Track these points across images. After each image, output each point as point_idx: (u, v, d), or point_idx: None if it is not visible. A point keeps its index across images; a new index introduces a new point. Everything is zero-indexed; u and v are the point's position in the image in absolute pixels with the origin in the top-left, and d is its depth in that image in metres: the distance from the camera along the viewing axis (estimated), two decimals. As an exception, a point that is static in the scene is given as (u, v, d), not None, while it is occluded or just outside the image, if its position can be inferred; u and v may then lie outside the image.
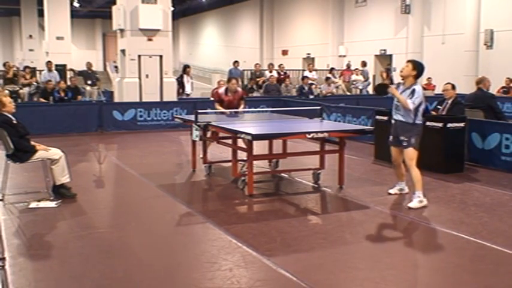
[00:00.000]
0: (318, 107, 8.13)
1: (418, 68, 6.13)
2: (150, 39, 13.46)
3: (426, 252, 4.95)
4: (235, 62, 19.49)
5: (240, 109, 8.93)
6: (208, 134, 7.77)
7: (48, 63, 17.46)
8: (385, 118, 8.64)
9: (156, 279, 4.13)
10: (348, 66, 21.38)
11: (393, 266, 4.44)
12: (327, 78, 18.87)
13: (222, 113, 8.64)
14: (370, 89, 20.58)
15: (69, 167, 6.62)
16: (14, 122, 6.42)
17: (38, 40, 28.38)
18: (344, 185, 7.04)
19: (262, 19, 31.77)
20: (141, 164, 8.94)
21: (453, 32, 19.97)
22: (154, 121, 13.26)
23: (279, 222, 5.58)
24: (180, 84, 15.22)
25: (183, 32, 44.52)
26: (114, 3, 14.03)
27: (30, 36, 29.23)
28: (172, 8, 14.42)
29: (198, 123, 7.24)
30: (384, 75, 16.97)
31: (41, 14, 25.93)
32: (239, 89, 9.22)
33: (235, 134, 6.63)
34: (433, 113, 8.69)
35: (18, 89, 16.15)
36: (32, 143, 6.48)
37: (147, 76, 13.61)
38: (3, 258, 4.47)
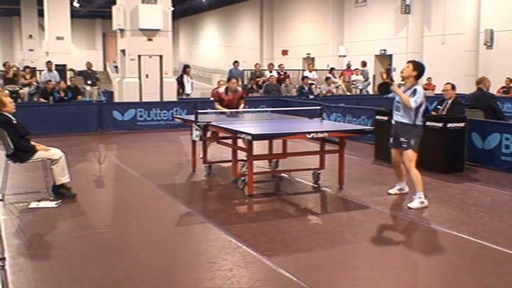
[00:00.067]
0: (318, 107, 8.13)
1: (418, 68, 6.11)
2: (150, 39, 13.46)
3: (426, 252, 4.95)
4: (235, 62, 19.50)
5: (240, 108, 8.93)
6: (208, 134, 7.77)
7: (48, 63, 17.46)
8: (385, 118, 8.64)
9: (156, 279, 4.13)
10: (348, 66, 21.38)
11: (393, 266, 4.44)
12: (327, 78, 18.88)
13: (222, 112, 8.64)
14: (370, 89, 20.59)
15: (69, 167, 6.62)
16: (14, 122, 6.42)
17: (38, 40, 28.39)
18: (344, 185, 7.04)
19: (262, 19, 31.77)
20: (141, 164, 8.94)
21: (453, 32, 19.97)
22: (154, 121, 13.26)
23: (279, 222, 5.58)
24: (180, 84, 15.23)
25: (183, 32, 44.52)
26: (114, 3, 14.03)
27: (30, 36, 29.24)
28: (172, 8, 14.42)
29: (198, 123, 7.24)
30: (384, 75, 16.97)
31: (41, 14, 25.94)
32: (239, 89, 9.22)
33: (235, 134, 6.63)
34: (433, 113, 8.69)
35: (18, 89, 16.15)
36: (32, 143, 6.48)
37: (147, 76, 13.61)
38: (3, 258, 4.47)
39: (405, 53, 21.22)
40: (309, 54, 27.99)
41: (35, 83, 16.89)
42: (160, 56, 13.68)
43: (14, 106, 6.58)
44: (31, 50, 28.63)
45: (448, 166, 7.92)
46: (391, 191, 6.65)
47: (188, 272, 4.34)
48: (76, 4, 28.03)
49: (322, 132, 6.70)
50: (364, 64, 20.64)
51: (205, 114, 8.06)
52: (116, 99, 14.20)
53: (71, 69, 20.50)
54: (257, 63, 20.98)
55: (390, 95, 6.32)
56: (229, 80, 9.19)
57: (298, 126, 7.40)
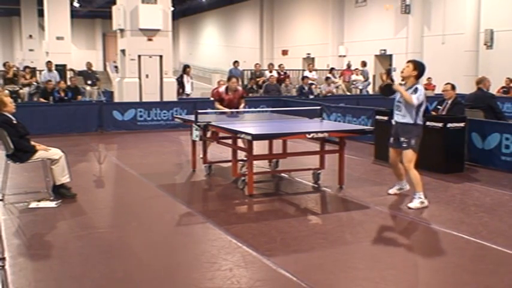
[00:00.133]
0: (318, 107, 8.13)
1: (419, 68, 6.09)
2: (150, 39, 13.46)
3: (426, 252, 4.94)
4: (235, 62, 19.50)
5: (241, 108, 8.94)
6: (208, 134, 7.77)
7: (48, 63, 17.46)
8: (385, 118, 8.64)
9: (156, 279, 4.13)
10: (349, 66, 21.38)
11: (393, 266, 4.44)
12: (327, 78, 18.87)
13: (222, 112, 8.64)
14: (370, 89, 20.58)
15: (69, 167, 6.62)
16: (14, 122, 6.42)
17: (38, 40, 28.39)
18: (344, 185, 7.04)
19: (262, 19, 31.77)
20: (141, 164, 8.94)
21: (453, 32, 19.97)
22: (154, 121, 13.26)
23: (279, 222, 5.58)
24: (180, 84, 15.23)
25: (183, 32, 44.52)
26: (114, 3, 14.03)
27: (30, 36, 29.24)
28: (172, 8, 14.42)
29: (198, 123, 7.24)
30: (384, 77, 16.95)
31: (41, 14, 25.94)
32: (239, 88, 9.23)
33: (235, 134, 6.63)
34: (433, 113, 8.69)
35: (18, 89, 16.15)
36: (32, 143, 6.48)
37: (147, 76, 13.61)
38: (3, 258, 4.47)
39: (405, 53, 21.21)
40: (309, 54, 27.99)
41: (35, 83, 16.89)
42: (160, 56, 13.67)
43: (14, 106, 6.59)
44: (31, 50, 28.63)
45: (448, 166, 7.92)
46: (391, 191, 6.65)
47: (188, 272, 4.34)
48: (76, 4, 28.03)
49: (322, 132, 6.70)
50: (364, 64, 20.65)
51: (205, 114, 8.06)
52: (116, 99, 14.19)
53: (71, 69, 20.50)
54: (257, 63, 20.99)
55: (392, 96, 6.30)
56: (229, 79, 9.20)
57: (298, 126, 7.40)
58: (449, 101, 8.62)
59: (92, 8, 34.56)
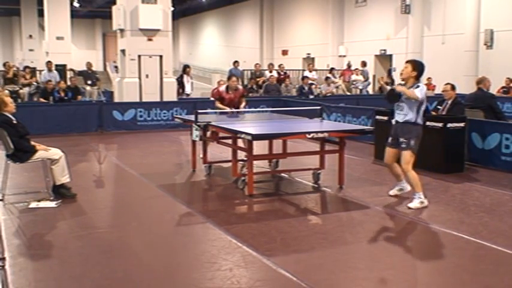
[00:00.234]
0: (318, 107, 8.13)
1: (418, 68, 6.06)
2: (150, 39, 13.46)
3: (426, 252, 4.94)
4: (235, 62, 19.50)
5: (241, 107, 8.94)
6: (208, 134, 7.77)
7: (48, 63, 17.46)
8: (385, 118, 8.64)
9: (156, 279, 4.13)
10: (349, 66, 21.38)
11: (393, 266, 4.44)
12: (327, 78, 18.87)
13: (223, 112, 8.64)
14: (370, 89, 20.58)
15: (69, 167, 6.62)
16: (14, 122, 6.42)
17: (38, 40, 28.38)
18: (344, 185, 7.04)
19: (262, 19, 31.76)
20: (141, 164, 8.94)
21: (453, 32, 19.96)
22: (154, 121, 13.26)
23: (279, 222, 5.58)
24: (180, 84, 15.23)
25: (183, 32, 44.51)
26: (114, 3, 14.03)
27: (30, 36, 29.23)
28: (172, 8, 14.42)
29: (198, 123, 7.24)
30: (382, 82, 16.92)
31: (41, 14, 25.93)
32: (240, 87, 9.25)
33: (235, 134, 6.63)
34: (433, 113, 8.69)
35: (18, 89, 16.15)
36: (32, 143, 6.48)
37: (147, 76, 13.61)
38: (3, 258, 4.47)
39: (405, 53, 21.20)
40: (309, 54, 27.99)
41: (35, 83, 16.89)
42: (160, 56, 13.67)
43: (14, 106, 6.59)
44: (31, 50, 28.63)
45: (448, 166, 7.93)
46: (391, 193, 6.61)
47: (188, 272, 4.34)
48: (76, 4, 28.02)
49: (322, 132, 6.70)
50: (364, 64, 20.65)
51: (205, 114, 8.06)
52: (116, 99, 14.19)
53: (71, 69, 20.49)
54: (257, 63, 20.99)
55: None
56: (229, 78, 9.21)
57: (298, 126, 7.40)
58: (449, 101, 8.61)
59: (92, 8, 34.55)
